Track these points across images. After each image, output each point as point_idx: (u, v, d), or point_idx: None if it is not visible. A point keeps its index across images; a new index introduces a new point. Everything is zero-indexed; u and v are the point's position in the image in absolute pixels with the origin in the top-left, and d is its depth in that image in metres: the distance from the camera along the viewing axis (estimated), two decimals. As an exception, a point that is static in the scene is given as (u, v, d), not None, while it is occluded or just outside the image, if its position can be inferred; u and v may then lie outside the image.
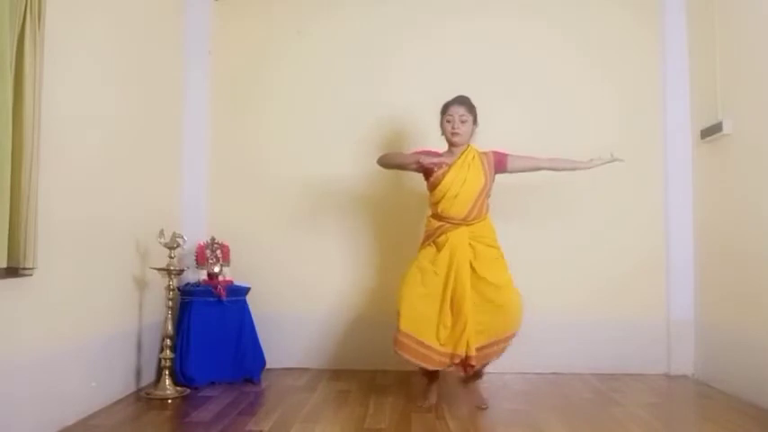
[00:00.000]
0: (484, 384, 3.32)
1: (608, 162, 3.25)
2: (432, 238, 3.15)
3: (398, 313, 3.06)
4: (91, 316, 2.88)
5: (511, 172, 3.23)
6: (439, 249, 3.11)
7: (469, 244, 3.09)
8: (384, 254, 4.04)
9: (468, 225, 3.11)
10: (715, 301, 3.68)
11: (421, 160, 3.06)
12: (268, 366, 3.73)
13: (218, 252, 3.74)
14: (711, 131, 3.62)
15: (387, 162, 3.29)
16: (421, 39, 4.13)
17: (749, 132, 3.32)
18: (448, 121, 3.17)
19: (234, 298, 3.63)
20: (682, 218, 3.95)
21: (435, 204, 3.17)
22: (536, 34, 4.12)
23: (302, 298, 4.04)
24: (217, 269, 3.68)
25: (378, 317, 3.98)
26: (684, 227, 3.94)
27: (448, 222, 3.12)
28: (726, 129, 3.46)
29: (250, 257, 3.96)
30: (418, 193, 3.93)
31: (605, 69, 4.08)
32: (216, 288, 3.57)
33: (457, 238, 3.09)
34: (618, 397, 3.36)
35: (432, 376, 3.18)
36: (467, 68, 4.06)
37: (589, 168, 3.26)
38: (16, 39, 2.18)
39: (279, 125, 4.15)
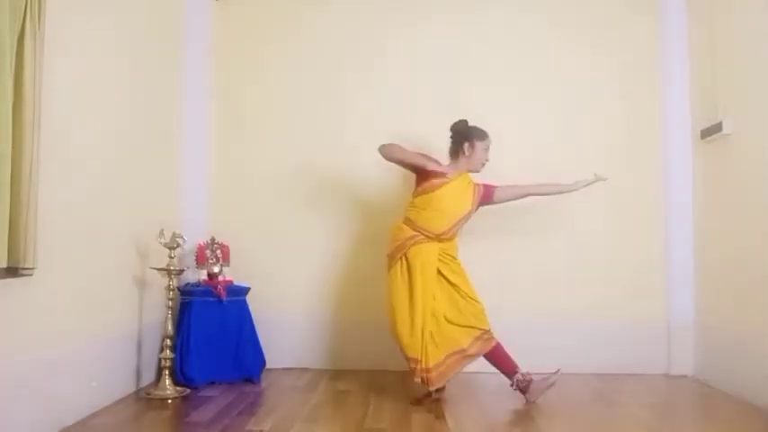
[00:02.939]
0: (483, 384, 3.32)
1: (592, 183, 3.35)
2: (402, 251, 3.17)
3: (402, 343, 3.10)
4: (91, 316, 2.88)
5: (496, 203, 3.34)
6: (410, 264, 3.14)
7: (439, 259, 3.17)
8: (384, 252, 4.03)
9: (439, 242, 3.17)
10: (715, 302, 3.68)
11: (427, 167, 3.12)
12: (268, 366, 3.74)
13: (218, 252, 3.74)
14: (711, 131, 3.62)
15: (389, 154, 3.24)
16: (421, 37, 4.14)
17: (749, 132, 3.32)
18: (485, 149, 3.25)
19: (234, 298, 3.63)
20: (682, 218, 3.94)
21: (417, 211, 3.19)
22: (535, 34, 4.12)
23: (302, 298, 4.04)
24: (217, 269, 3.68)
25: (378, 317, 3.98)
26: (684, 227, 3.94)
27: (422, 234, 3.15)
28: (726, 129, 3.46)
29: (250, 257, 3.96)
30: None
31: (605, 69, 4.08)
32: (216, 288, 3.57)
33: (427, 253, 3.14)
34: (618, 397, 3.36)
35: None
36: (466, 70, 4.08)
37: (575, 190, 3.37)
38: (16, 39, 2.18)
39: (279, 125, 4.15)
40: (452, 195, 3.17)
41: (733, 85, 3.47)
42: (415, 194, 3.24)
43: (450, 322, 3.14)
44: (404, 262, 3.17)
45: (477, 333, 3.15)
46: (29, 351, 2.40)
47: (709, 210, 3.75)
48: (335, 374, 3.82)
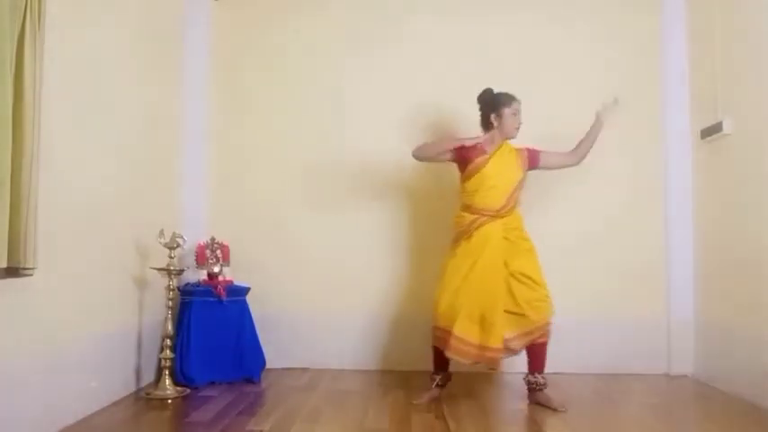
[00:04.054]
0: (483, 384, 3.30)
1: (610, 109, 3.24)
2: (465, 235, 3.11)
3: (436, 310, 3.06)
4: (91, 316, 2.88)
5: (542, 168, 3.25)
6: (474, 244, 3.07)
7: (504, 237, 3.08)
8: (387, 254, 4.04)
9: (501, 217, 3.10)
10: (715, 301, 3.68)
11: (465, 143, 3.09)
12: (268, 366, 3.73)
13: (218, 252, 3.74)
14: (711, 131, 3.62)
15: (423, 154, 3.23)
16: (422, 33, 4.13)
17: (749, 132, 3.32)
18: (514, 114, 3.16)
19: (234, 298, 3.63)
20: (682, 218, 3.94)
21: (471, 194, 3.14)
22: (535, 32, 4.11)
23: (302, 298, 4.03)
24: (217, 269, 3.68)
25: (379, 317, 3.99)
26: (684, 227, 3.94)
27: (482, 215, 3.09)
28: (726, 129, 3.46)
29: (250, 257, 3.96)
30: (421, 195, 3.94)
31: (605, 69, 4.07)
32: (216, 288, 3.57)
33: (492, 231, 3.07)
34: (618, 397, 3.36)
35: (443, 369, 3.15)
36: (465, 68, 4.06)
37: (602, 126, 3.24)
38: (16, 39, 2.18)
39: (279, 125, 4.15)
40: (499, 168, 3.10)
41: (733, 85, 3.47)
42: (463, 180, 3.19)
43: (503, 310, 3.00)
44: (468, 242, 3.10)
45: (529, 328, 3.02)
46: (29, 351, 2.40)
47: (709, 210, 3.75)
48: (335, 374, 3.82)
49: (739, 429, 2.81)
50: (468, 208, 3.15)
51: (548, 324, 3.09)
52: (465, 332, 2.97)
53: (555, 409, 3.00)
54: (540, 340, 3.08)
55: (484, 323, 2.98)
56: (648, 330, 3.92)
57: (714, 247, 3.70)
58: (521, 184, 3.16)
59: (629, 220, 4.01)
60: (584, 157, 3.29)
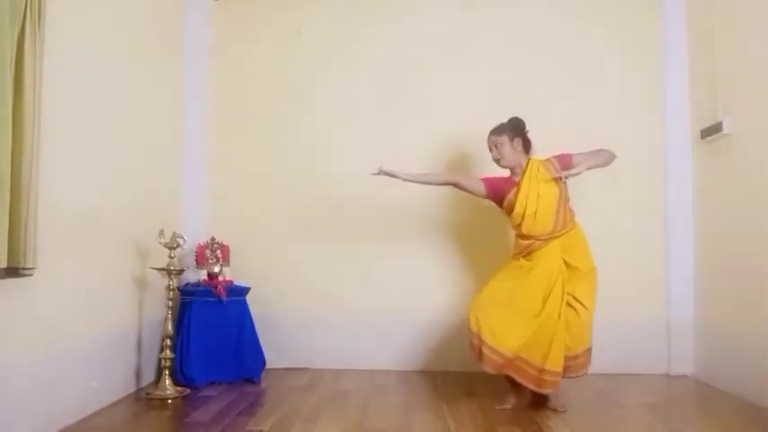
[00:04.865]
0: (483, 384, 3.31)
1: None
2: (521, 254, 3.08)
3: (470, 319, 2.97)
4: (91, 316, 2.88)
5: (578, 171, 2.98)
6: (531, 264, 3.03)
7: (563, 259, 3.02)
8: (385, 252, 4.04)
9: (557, 237, 3.03)
10: (715, 302, 3.68)
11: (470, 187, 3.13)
12: (268, 366, 3.73)
13: (218, 252, 3.74)
14: (711, 131, 3.62)
15: (437, 182, 3.34)
16: (422, 36, 4.13)
17: (749, 132, 3.32)
18: (490, 151, 3.17)
19: (234, 298, 3.63)
20: (682, 218, 3.94)
21: (517, 226, 3.10)
22: (535, 33, 4.12)
23: (302, 297, 4.04)
24: (217, 269, 3.68)
25: (378, 316, 3.99)
26: (684, 227, 3.94)
27: (536, 239, 3.04)
28: (726, 129, 3.46)
29: (250, 257, 3.96)
30: (421, 194, 3.93)
31: (605, 69, 4.08)
32: (216, 288, 3.57)
33: (549, 254, 3.01)
34: (618, 397, 3.36)
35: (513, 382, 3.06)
36: (463, 66, 4.08)
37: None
38: (16, 39, 2.18)
39: (278, 125, 4.15)
40: (533, 193, 3.00)
41: (733, 85, 3.47)
42: (507, 215, 3.15)
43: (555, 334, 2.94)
44: (525, 261, 3.06)
45: (566, 353, 2.95)
46: (29, 351, 2.40)
47: (710, 210, 3.75)
48: (335, 374, 3.82)
49: (739, 429, 2.81)
50: (521, 236, 3.11)
51: (585, 351, 3.06)
52: (499, 345, 2.91)
53: (555, 409, 3.00)
54: (574, 363, 3.03)
55: (539, 344, 2.93)
56: (648, 330, 3.92)
57: (714, 247, 3.69)
58: (563, 197, 3.04)
59: (629, 220, 4.01)
60: (613, 156, 3.14)
